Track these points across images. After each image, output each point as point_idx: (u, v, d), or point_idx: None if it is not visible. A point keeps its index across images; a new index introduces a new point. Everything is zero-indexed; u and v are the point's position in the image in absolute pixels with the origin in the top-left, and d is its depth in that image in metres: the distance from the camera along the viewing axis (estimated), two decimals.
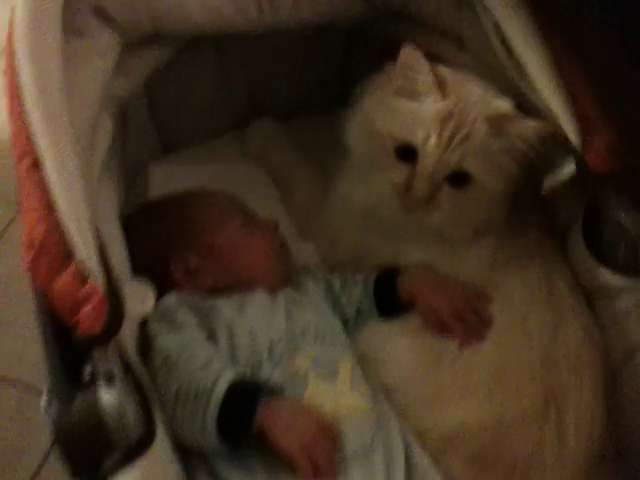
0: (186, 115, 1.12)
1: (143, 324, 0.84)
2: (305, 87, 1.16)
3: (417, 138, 0.85)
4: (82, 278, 0.67)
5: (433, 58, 0.88)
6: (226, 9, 0.91)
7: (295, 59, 1.13)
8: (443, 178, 0.87)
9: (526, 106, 0.86)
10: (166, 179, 1.10)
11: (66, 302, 0.66)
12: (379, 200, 0.91)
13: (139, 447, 0.67)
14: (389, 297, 0.92)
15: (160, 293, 0.86)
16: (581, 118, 0.79)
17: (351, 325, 0.94)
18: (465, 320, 0.86)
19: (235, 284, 0.90)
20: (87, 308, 0.66)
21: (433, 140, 0.84)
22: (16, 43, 0.73)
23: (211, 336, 0.83)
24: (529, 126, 0.84)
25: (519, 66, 0.84)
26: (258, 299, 0.88)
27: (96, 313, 0.66)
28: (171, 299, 0.85)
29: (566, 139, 0.79)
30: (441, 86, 0.85)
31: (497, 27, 0.84)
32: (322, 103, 1.04)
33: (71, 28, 0.80)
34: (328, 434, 0.75)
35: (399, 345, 0.87)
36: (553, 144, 0.84)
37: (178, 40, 0.97)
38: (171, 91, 1.07)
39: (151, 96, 1.06)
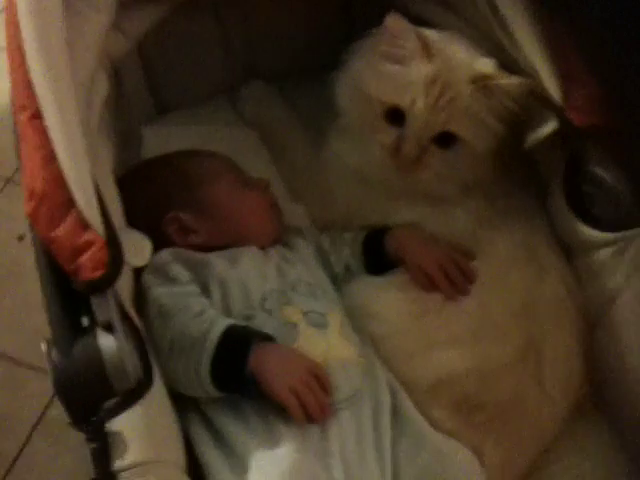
0: (181, 76, 1.13)
1: (138, 278, 0.86)
2: (304, 48, 1.16)
3: (405, 101, 0.88)
4: (82, 226, 0.68)
5: (420, 22, 0.91)
6: None
7: (294, 19, 1.14)
8: (430, 139, 0.89)
9: (510, 65, 0.89)
10: (159, 141, 1.10)
11: (67, 249, 0.68)
12: (370, 160, 0.94)
13: (138, 391, 0.69)
14: (377, 254, 0.95)
15: (155, 250, 0.88)
16: (564, 74, 0.82)
17: (340, 282, 0.97)
18: (449, 275, 0.90)
19: (227, 241, 0.92)
20: (87, 255, 0.68)
21: (420, 103, 0.87)
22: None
23: (204, 289, 0.85)
24: (511, 83, 0.87)
25: (504, 26, 0.86)
26: (250, 254, 0.91)
27: (97, 259, 0.68)
28: (165, 254, 0.87)
29: (548, 95, 0.82)
30: (426, 51, 0.88)
31: None
32: (320, 65, 1.04)
33: None
34: (319, 379, 0.78)
35: (386, 298, 0.91)
36: (535, 100, 0.87)
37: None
38: (167, 51, 1.08)
39: (146, 56, 1.07)
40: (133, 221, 0.87)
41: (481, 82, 0.87)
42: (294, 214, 1.03)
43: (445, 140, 0.90)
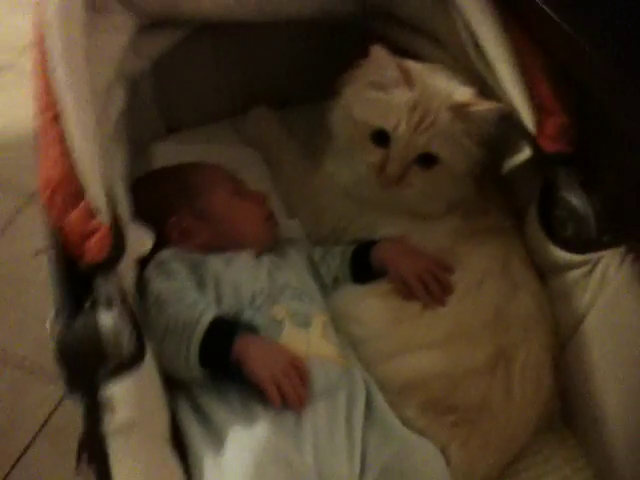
0: (187, 98, 1.23)
1: (141, 272, 0.94)
2: (297, 78, 1.26)
3: (389, 125, 0.96)
4: (91, 214, 0.77)
5: (408, 54, 1.00)
6: None
7: (289, 51, 1.24)
8: (412, 159, 0.97)
9: (489, 94, 0.98)
10: (167, 156, 1.19)
11: (76, 234, 0.77)
12: (358, 178, 1.02)
13: (130, 363, 0.76)
14: (364, 266, 1.02)
15: (156, 251, 0.96)
16: (536, 104, 0.90)
17: (328, 290, 1.03)
18: (427, 286, 0.96)
19: (224, 245, 1.00)
20: (94, 239, 0.77)
21: (402, 126, 0.95)
22: (46, 14, 0.84)
23: (200, 285, 0.93)
24: (486, 109, 0.95)
25: (485, 59, 0.95)
26: (244, 258, 0.98)
27: (101, 244, 0.76)
28: (166, 253, 0.95)
29: (522, 124, 0.90)
30: (407, 79, 0.97)
31: (467, 25, 0.96)
32: (313, 93, 1.14)
33: (93, 5, 0.92)
34: (298, 369, 0.84)
35: (368, 303, 0.97)
36: (510, 126, 0.94)
37: (187, 25, 1.08)
38: (175, 74, 1.19)
39: (157, 77, 1.17)
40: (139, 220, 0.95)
41: (459, 108, 0.95)
42: (289, 228, 1.11)
43: (426, 161, 0.98)
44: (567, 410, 0.99)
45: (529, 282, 0.98)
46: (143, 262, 0.94)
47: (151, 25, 1.03)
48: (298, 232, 1.11)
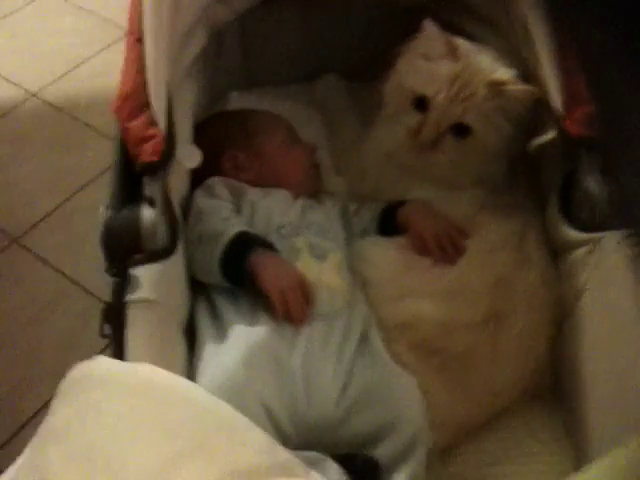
0: (272, 58, 1.36)
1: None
2: (370, 55, 1.32)
3: (430, 91, 1.06)
4: (151, 122, 0.91)
5: (465, 36, 1.09)
6: None
7: (366, 31, 1.35)
8: (448, 127, 1.06)
9: (528, 77, 1.05)
10: (241, 105, 1.32)
11: (136, 138, 0.91)
12: (398, 144, 1.12)
13: (161, 254, 0.90)
14: (391, 222, 1.12)
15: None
16: (568, 91, 0.97)
17: (356, 239, 1.13)
18: (442, 244, 1.04)
19: (269, 183, 1.12)
20: (149, 144, 0.90)
21: (442, 95, 1.05)
22: None
23: (238, 209, 1.05)
24: (521, 89, 1.03)
25: (530, 45, 1.02)
26: (282, 194, 1.10)
27: (154, 148, 0.90)
28: (215, 179, 1.09)
29: (552, 106, 0.97)
30: (453, 53, 1.06)
31: (521, 15, 1.04)
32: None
33: None
34: (304, 289, 0.95)
35: (383, 251, 1.07)
36: (540, 109, 1.02)
37: None
38: (263, 33, 1.32)
39: (245, 33, 1.31)
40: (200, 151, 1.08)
41: (496, 86, 1.04)
42: (334, 183, 1.22)
43: (460, 131, 1.06)
44: (558, 386, 1.04)
45: (539, 259, 1.04)
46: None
47: None
48: (341, 188, 1.22)
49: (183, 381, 0.79)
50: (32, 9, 2.11)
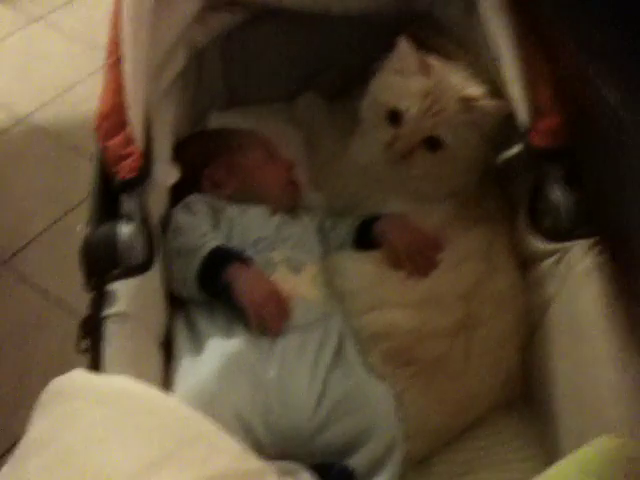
0: (253, 77, 1.39)
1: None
2: (350, 73, 1.36)
3: (402, 106, 1.10)
4: (129, 141, 0.94)
5: (437, 54, 1.13)
6: None
7: (347, 48, 1.37)
8: (420, 140, 1.09)
9: (497, 92, 1.09)
10: (222, 125, 1.36)
11: (114, 156, 0.94)
12: (373, 157, 1.15)
13: (137, 269, 0.92)
14: (367, 235, 1.14)
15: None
16: (535, 103, 1.00)
17: (331, 253, 1.15)
18: (415, 257, 1.07)
19: (247, 200, 1.14)
20: (127, 161, 0.93)
21: (414, 109, 1.08)
22: None
23: (216, 225, 1.07)
24: (492, 104, 1.07)
25: (500, 63, 1.05)
26: (259, 209, 1.13)
27: (132, 166, 0.93)
28: (195, 196, 1.11)
29: (518, 120, 1.01)
30: (425, 69, 1.10)
31: (487, 31, 1.07)
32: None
33: None
34: (280, 301, 0.97)
35: (358, 264, 1.09)
36: (509, 122, 1.04)
37: (250, 8, 1.25)
38: (244, 53, 1.35)
39: (226, 53, 1.34)
40: (179, 168, 1.11)
41: (467, 102, 1.08)
42: (312, 199, 1.24)
43: (432, 145, 1.10)
44: (530, 395, 1.06)
45: (507, 268, 1.07)
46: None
47: (220, 3, 1.21)
48: (319, 203, 1.24)
49: (157, 392, 0.81)
50: (22, 35, 2.14)
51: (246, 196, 1.14)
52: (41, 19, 2.20)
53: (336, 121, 1.38)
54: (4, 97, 1.95)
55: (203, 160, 1.17)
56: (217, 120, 1.38)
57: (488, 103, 1.07)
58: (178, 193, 1.12)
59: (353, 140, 1.23)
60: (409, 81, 1.10)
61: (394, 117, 1.11)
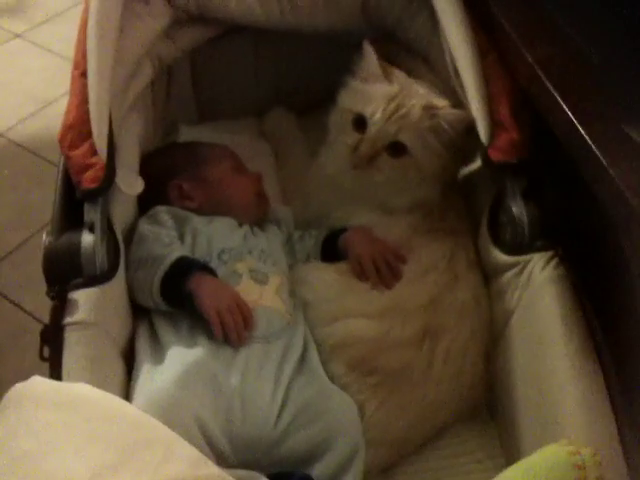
0: (222, 92, 1.41)
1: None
2: (319, 87, 1.34)
3: (367, 111, 1.12)
4: (92, 152, 0.96)
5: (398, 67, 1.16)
6: (253, 3, 1.21)
7: (316, 63, 1.39)
8: (383, 145, 1.11)
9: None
10: (192, 138, 1.35)
11: (78, 165, 0.96)
12: (339, 164, 1.17)
13: (99, 278, 0.93)
14: (333, 247, 1.16)
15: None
16: (494, 119, 1.03)
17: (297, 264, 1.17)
18: (379, 268, 1.08)
19: (214, 211, 1.15)
20: (90, 172, 0.94)
21: (378, 114, 1.10)
22: None
23: (181, 236, 1.08)
24: (454, 113, 1.10)
25: (460, 80, 1.08)
26: (225, 220, 1.14)
27: (95, 176, 0.94)
28: (160, 207, 1.12)
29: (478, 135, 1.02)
30: (389, 77, 1.12)
31: (449, 49, 1.09)
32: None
33: None
34: (242, 310, 0.98)
35: (323, 274, 1.11)
36: (469, 136, 1.06)
37: (219, 24, 1.27)
38: (212, 68, 1.37)
39: (195, 67, 1.36)
40: (147, 180, 1.11)
41: (430, 110, 1.10)
42: (281, 211, 1.25)
43: (396, 150, 1.11)
44: (494, 405, 1.07)
45: (470, 279, 1.09)
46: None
47: (188, 19, 1.22)
48: (287, 216, 1.25)
49: (115, 398, 0.81)
50: (1, 51, 2.16)
51: (214, 208, 1.15)
52: (21, 35, 2.22)
53: (305, 135, 1.40)
54: None
55: (171, 172, 1.18)
56: (187, 134, 1.39)
57: (450, 112, 1.09)
58: (146, 204, 1.13)
59: (321, 151, 1.25)
60: (374, 87, 1.13)
61: (359, 123, 1.13)
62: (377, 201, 1.16)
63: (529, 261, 0.99)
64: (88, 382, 0.83)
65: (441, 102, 1.11)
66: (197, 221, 1.10)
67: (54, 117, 1.97)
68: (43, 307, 1.49)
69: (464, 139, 1.10)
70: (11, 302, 1.53)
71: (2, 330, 1.49)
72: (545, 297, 0.95)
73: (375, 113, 1.10)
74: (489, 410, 1.08)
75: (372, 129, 1.11)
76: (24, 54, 2.18)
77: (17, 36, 2.22)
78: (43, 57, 2.16)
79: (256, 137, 1.44)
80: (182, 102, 1.38)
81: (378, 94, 1.11)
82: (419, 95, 1.11)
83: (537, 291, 0.96)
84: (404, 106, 1.09)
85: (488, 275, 1.10)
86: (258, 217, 1.21)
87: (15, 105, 1.99)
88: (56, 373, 0.85)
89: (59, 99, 2.02)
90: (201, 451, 0.82)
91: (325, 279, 1.09)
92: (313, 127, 1.37)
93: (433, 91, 1.13)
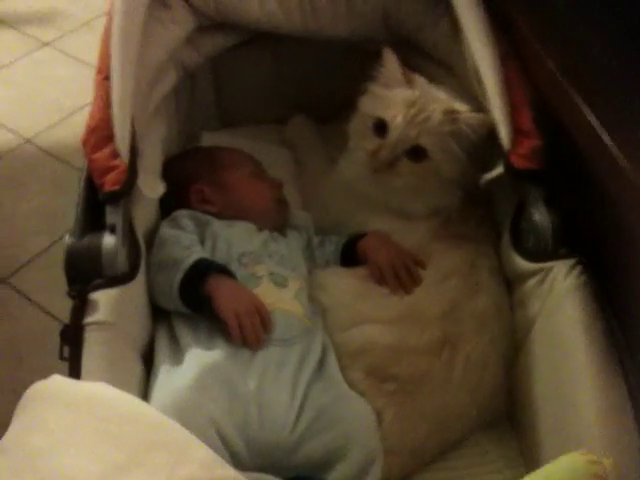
0: (244, 98, 1.42)
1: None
2: (341, 96, 1.37)
3: (388, 115, 1.12)
4: (114, 155, 0.97)
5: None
6: (276, 10, 1.21)
7: (337, 72, 1.39)
8: (404, 150, 1.11)
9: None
10: (212, 143, 1.37)
11: (100, 168, 0.97)
12: (358, 169, 1.17)
13: (120, 279, 0.94)
14: (352, 252, 1.16)
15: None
16: (516, 126, 1.02)
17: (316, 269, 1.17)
18: (398, 273, 1.08)
19: (234, 216, 1.15)
20: (112, 174, 0.95)
21: (399, 118, 1.10)
22: (116, 1, 1.05)
23: (201, 240, 1.08)
24: (475, 117, 1.09)
25: (482, 87, 1.07)
26: (246, 225, 1.14)
27: (117, 178, 0.95)
28: (182, 211, 1.12)
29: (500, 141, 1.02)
30: (410, 82, 1.13)
31: (472, 56, 1.08)
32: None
33: (161, 0, 1.13)
34: (261, 313, 0.98)
35: (341, 279, 1.11)
36: (492, 143, 1.05)
37: (241, 31, 1.28)
38: (235, 74, 1.38)
39: (218, 74, 1.38)
40: (169, 183, 1.12)
41: (451, 114, 1.09)
42: (300, 217, 1.25)
43: (416, 155, 1.11)
44: (514, 415, 1.06)
45: (491, 286, 1.07)
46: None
47: (211, 25, 1.24)
48: (307, 222, 1.25)
49: (132, 398, 0.81)
50: (29, 60, 2.19)
51: (233, 213, 1.15)
52: (49, 44, 2.25)
53: (325, 143, 1.40)
54: (11, 119, 1.99)
55: (192, 176, 1.18)
56: (209, 140, 1.40)
57: (472, 116, 1.09)
58: (168, 208, 1.14)
59: (341, 158, 1.25)
60: (394, 92, 1.13)
61: (380, 127, 1.13)
62: (395, 206, 1.16)
63: (552, 268, 0.98)
64: (106, 382, 0.82)
65: (462, 107, 1.11)
66: (217, 225, 1.10)
67: (80, 125, 1.94)
68: (67, 310, 1.54)
69: (485, 144, 1.09)
70: (36, 305, 1.55)
71: (27, 332, 1.51)
72: (567, 306, 0.93)
73: (396, 117, 1.10)
74: (510, 420, 1.07)
75: (393, 133, 1.11)
76: (52, 62, 2.20)
77: (45, 44, 2.25)
78: (71, 65, 2.19)
79: (276, 144, 1.44)
80: (204, 108, 1.40)
81: (399, 99, 1.11)
82: (440, 100, 1.11)
83: (559, 299, 0.95)
84: (425, 110, 1.09)
85: (510, 283, 1.09)
86: (278, 223, 1.21)
87: (42, 112, 2.02)
88: (75, 373, 0.86)
89: (85, 107, 2.01)
90: (217, 453, 0.82)
91: (343, 284, 1.09)
92: (334, 135, 1.38)
93: (454, 96, 1.13)
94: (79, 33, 2.29)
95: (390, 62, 1.14)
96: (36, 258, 1.66)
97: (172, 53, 1.16)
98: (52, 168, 1.88)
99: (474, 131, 1.09)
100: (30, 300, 1.56)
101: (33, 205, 1.78)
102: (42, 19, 2.35)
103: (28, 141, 1.94)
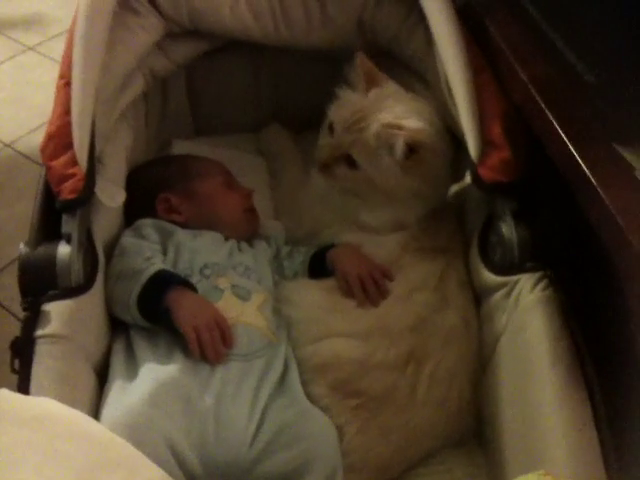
0: (219, 107, 1.39)
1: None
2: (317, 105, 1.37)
3: (335, 118, 1.12)
4: (73, 162, 0.95)
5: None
6: (248, 19, 1.19)
7: (313, 80, 1.37)
8: (342, 154, 1.10)
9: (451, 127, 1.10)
10: (183, 152, 1.34)
11: (58, 176, 0.95)
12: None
13: (74, 291, 0.91)
14: (321, 264, 1.13)
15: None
16: (485, 138, 1.00)
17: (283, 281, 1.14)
18: (366, 286, 1.05)
19: (202, 226, 1.13)
20: (69, 182, 0.93)
21: (341, 122, 1.10)
22: (80, 6, 1.03)
23: (164, 250, 1.06)
24: (410, 127, 1.05)
25: (453, 98, 1.04)
26: (212, 235, 1.11)
27: (74, 187, 0.93)
28: (146, 220, 1.10)
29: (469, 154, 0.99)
30: (367, 88, 1.11)
31: (443, 68, 1.06)
32: None
33: (129, 6, 1.11)
34: (221, 327, 0.95)
35: (307, 292, 1.08)
36: (462, 152, 1.04)
37: (212, 38, 1.25)
38: (210, 82, 1.36)
39: (191, 82, 1.35)
40: (135, 191, 1.10)
41: (390, 128, 1.06)
42: (272, 227, 1.23)
43: (351, 163, 1.10)
44: (482, 430, 1.03)
45: (460, 300, 1.05)
46: None
47: (181, 33, 1.21)
48: (278, 231, 1.22)
49: (81, 415, 0.79)
50: (13, 64, 2.18)
51: (201, 222, 1.13)
52: (33, 49, 2.23)
53: (300, 152, 1.38)
54: None
55: (160, 184, 1.16)
56: (180, 147, 1.37)
57: (398, 132, 1.05)
58: (134, 216, 1.11)
59: (314, 168, 1.22)
60: (350, 96, 1.12)
61: (331, 128, 1.13)
62: (352, 218, 1.15)
63: (517, 282, 0.96)
64: (56, 397, 0.80)
65: (412, 124, 1.06)
66: (182, 235, 1.08)
67: None
68: None
69: (432, 163, 1.08)
70: (11, 313, 1.53)
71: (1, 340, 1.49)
72: (533, 321, 0.91)
73: (339, 121, 1.10)
74: (477, 437, 1.04)
75: (334, 135, 1.11)
76: (36, 67, 2.19)
77: (30, 49, 2.23)
78: (55, 70, 2.15)
79: (251, 153, 1.42)
80: (178, 116, 1.37)
81: (349, 103, 1.11)
82: (388, 111, 1.08)
83: (525, 313, 0.93)
84: (365, 120, 1.08)
85: (479, 297, 1.06)
86: (247, 233, 1.18)
87: (25, 117, 2.00)
88: (24, 387, 0.83)
89: None
90: (171, 472, 0.79)
91: (310, 297, 1.06)
92: (308, 144, 1.35)
93: (420, 110, 1.10)
94: (64, 38, 2.25)
95: (357, 65, 1.12)
96: (11, 265, 1.63)
97: (141, 59, 1.14)
98: (32, 174, 1.85)
99: (399, 148, 1.04)
100: (5, 308, 1.54)
101: (14, 211, 1.76)
102: (27, 24, 2.34)
103: (7, 145, 1.92)
